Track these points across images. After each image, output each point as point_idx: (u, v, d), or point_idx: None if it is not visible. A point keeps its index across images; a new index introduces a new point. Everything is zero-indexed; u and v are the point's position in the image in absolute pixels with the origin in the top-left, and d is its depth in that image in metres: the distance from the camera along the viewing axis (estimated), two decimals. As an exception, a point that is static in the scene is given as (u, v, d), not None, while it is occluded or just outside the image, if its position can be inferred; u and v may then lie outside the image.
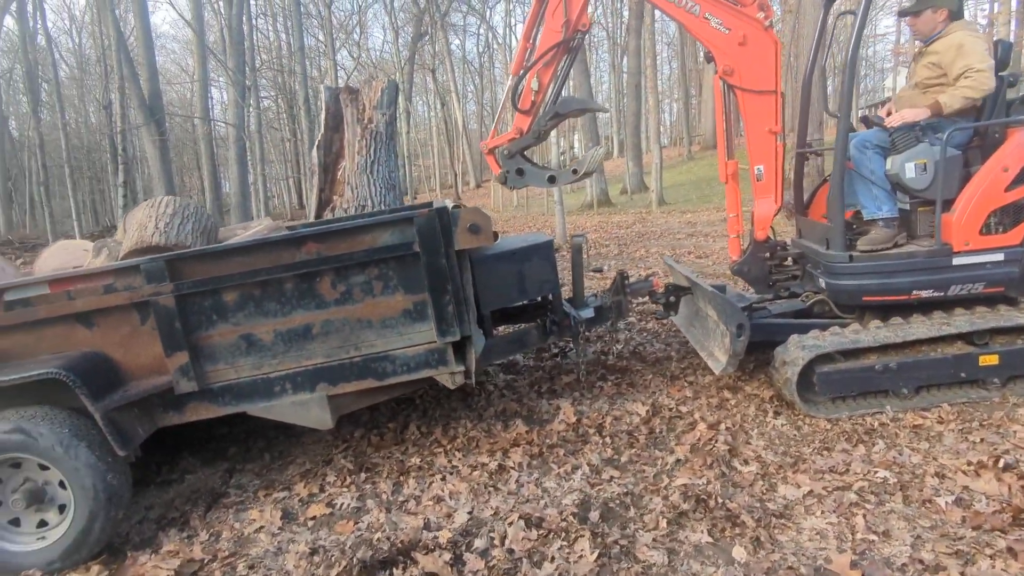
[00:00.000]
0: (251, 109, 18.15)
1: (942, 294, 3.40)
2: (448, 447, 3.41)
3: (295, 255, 2.85)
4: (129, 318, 2.83)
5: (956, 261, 3.34)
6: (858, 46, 3.62)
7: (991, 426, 3.02)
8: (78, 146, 30.76)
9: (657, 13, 28.56)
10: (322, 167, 7.17)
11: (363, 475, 3.19)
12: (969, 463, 2.68)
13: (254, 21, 26.15)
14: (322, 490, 3.10)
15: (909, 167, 3.39)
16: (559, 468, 3.07)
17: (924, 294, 3.42)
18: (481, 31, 42.56)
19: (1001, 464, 2.62)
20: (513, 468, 3.09)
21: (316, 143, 7.18)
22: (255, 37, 25.62)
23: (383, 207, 7.55)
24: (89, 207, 35.24)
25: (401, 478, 3.12)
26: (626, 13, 29.04)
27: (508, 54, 39.41)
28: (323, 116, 7.26)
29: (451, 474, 3.09)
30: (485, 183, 38.17)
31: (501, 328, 4.50)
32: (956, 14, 3.54)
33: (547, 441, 3.32)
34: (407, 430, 3.66)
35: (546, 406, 3.80)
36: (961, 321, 3.32)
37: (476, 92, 46.38)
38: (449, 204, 3.55)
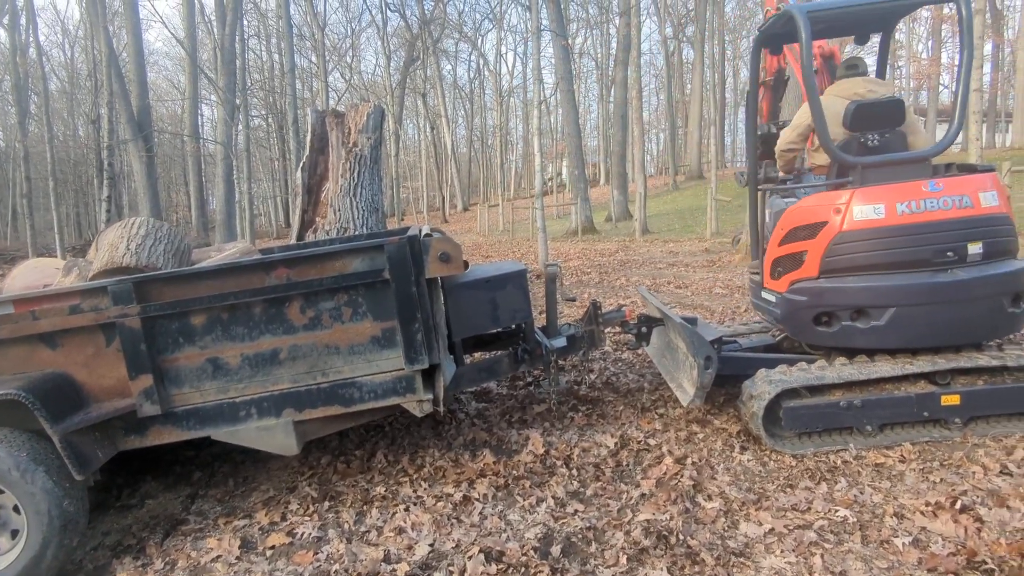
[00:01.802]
0: (240, 128, 18.16)
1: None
2: (414, 476, 3.38)
3: (265, 280, 2.85)
4: (94, 339, 2.81)
5: (763, 294, 3.99)
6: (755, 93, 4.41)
7: (951, 466, 3.06)
8: (64, 159, 30.59)
9: (645, 46, 29.09)
10: (306, 188, 7.20)
11: (326, 504, 3.15)
12: (928, 503, 2.71)
13: (247, 41, 26.36)
14: (284, 518, 3.06)
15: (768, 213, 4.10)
16: (524, 500, 3.05)
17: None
18: (472, 58, 43.25)
19: (958, 505, 2.65)
20: (478, 499, 3.07)
21: (301, 164, 7.21)
22: (247, 57, 25.80)
23: (365, 230, 7.58)
24: (73, 220, 34.93)
25: (365, 507, 3.09)
26: (614, 45, 29.64)
27: (499, 81, 40.03)
28: (309, 138, 7.32)
29: (415, 504, 3.07)
30: (472, 206, 38.38)
31: (477, 355, 4.51)
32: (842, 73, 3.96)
33: (514, 472, 3.31)
34: (374, 458, 3.63)
35: (516, 436, 3.79)
36: (924, 361, 3.38)
37: (466, 117, 46.92)
38: (426, 230, 3.58)
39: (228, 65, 18.55)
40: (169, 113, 36.30)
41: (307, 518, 3.04)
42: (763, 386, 3.40)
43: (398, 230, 4.77)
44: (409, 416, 4.03)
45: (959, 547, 2.39)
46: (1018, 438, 3.25)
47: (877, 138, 3.64)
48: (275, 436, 2.95)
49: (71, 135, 34.03)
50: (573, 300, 4.63)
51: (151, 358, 2.81)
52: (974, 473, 2.96)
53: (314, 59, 30.22)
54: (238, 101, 18.38)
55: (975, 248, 3.38)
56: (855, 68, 3.93)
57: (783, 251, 3.76)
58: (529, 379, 4.89)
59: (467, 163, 46.31)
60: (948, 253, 3.39)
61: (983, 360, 3.35)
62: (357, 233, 7.57)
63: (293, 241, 6.97)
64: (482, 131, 46.08)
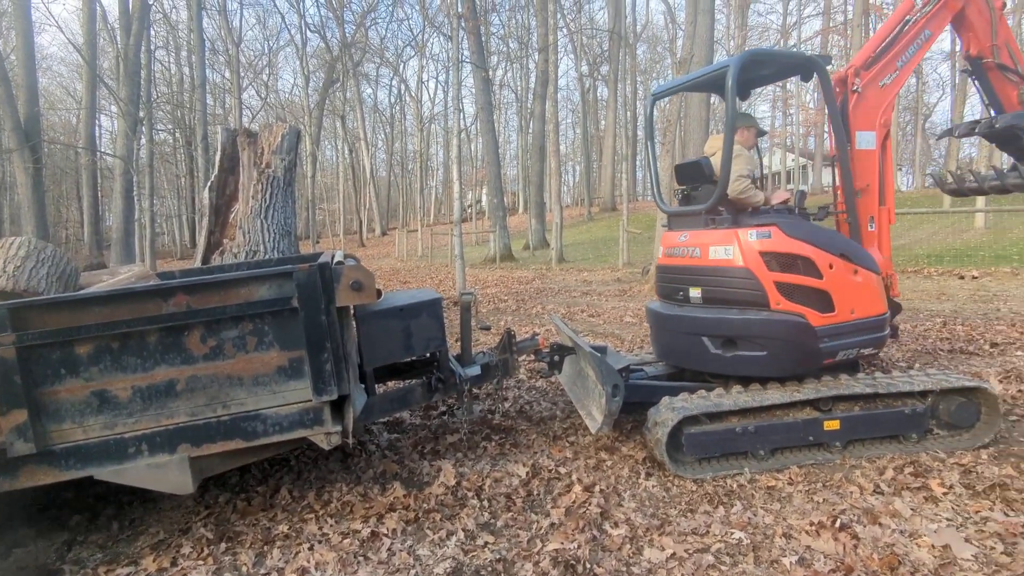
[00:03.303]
0: (143, 142, 17.14)
1: None
2: (320, 512, 3.26)
3: (161, 307, 2.70)
4: (-42, 370, 2.54)
5: None
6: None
7: (832, 487, 3.30)
8: (-66, 167, 27.67)
9: (562, 82, 30.14)
10: (213, 209, 6.90)
11: (223, 545, 2.97)
12: (812, 523, 2.90)
13: (153, 52, 25.10)
14: (174, 564, 2.86)
15: None
16: (434, 534, 3.01)
17: None
18: (394, 83, 43.21)
19: (838, 524, 2.86)
20: (386, 535, 3.00)
21: (209, 184, 6.92)
22: (154, 68, 24.54)
23: (277, 253, 7.33)
24: (-58, 234, 31.46)
25: (265, 548, 2.94)
26: (533, 79, 30.58)
27: (420, 107, 40.16)
28: (218, 157, 7.04)
29: (320, 543, 2.95)
30: (391, 231, 37.92)
31: (390, 383, 4.44)
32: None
33: (424, 505, 3.26)
34: (278, 494, 3.47)
35: (427, 467, 3.75)
36: (809, 389, 3.66)
37: (386, 141, 46.61)
38: (339, 257, 3.52)
39: (132, 76, 17.54)
40: (62, 122, 33.75)
41: (201, 562, 2.85)
42: (666, 413, 3.56)
43: (309, 256, 4.67)
44: (317, 449, 3.89)
45: (838, 563, 2.58)
46: (888, 459, 3.56)
47: (685, 192, 4.40)
48: (168, 474, 2.77)
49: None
50: (488, 328, 4.66)
51: (26, 391, 2.58)
52: (851, 493, 3.21)
53: (227, 75, 29.17)
54: (142, 114, 17.35)
55: (695, 292, 4.01)
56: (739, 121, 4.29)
57: None
58: (443, 408, 4.85)
59: (386, 187, 45.86)
60: (679, 293, 4.14)
61: (858, 388, 3.66)
62: (268, 256, 7.32)
63: (198, 263, 6.65)
64: (402, 156, 45.88)
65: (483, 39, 22.03)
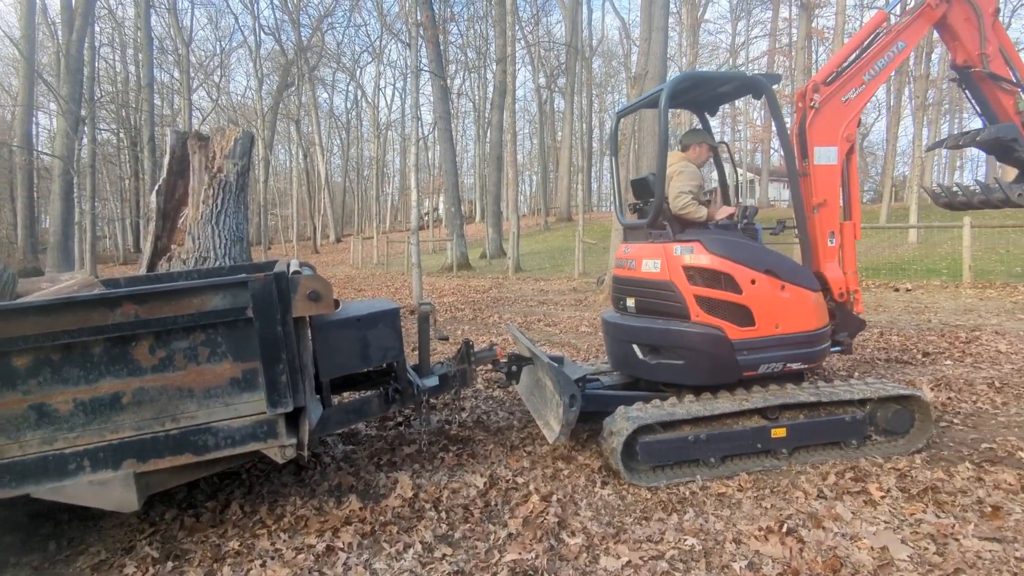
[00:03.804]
0: (85, 142, 16.42)
1: None
2: (273, 528, 3.18)
3: (108, 317, 2.60)
4: None
5: None
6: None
7: (779, 492, 3.43)
8: None
9: (520, 92, 30.44)
10: (161, 213, 6.70)
11: (170, 564, 2.87)
12: (760, 528, 3.01)
13: (98, 49, 24.12)
14: (117, 583, 2.74)
15: None
16: (391, 547, 2.98)
17: None
18: (351, 89, 42.73)
19: (785, 529, 2.97)
20: (342, 549, 2.95)
21: (157, 188, 6.72)
22: (97, 66, 23.56)
23: (228, 260, 7.15)
24: None
25: (215, 566, 2.85)
26: (491, 89, 30.76)
27: (377, 114, 39.82)
28: (167, 160, 6.84)
29: (272, 559, 2.88)
30: (346, 238, 37.34)
31: (345, 395, 4.37)
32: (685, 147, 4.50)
33: (381, 518, 3.22)
34: (228, 510, 3.37)
35: (384, 479, 3.71)
36: (757, 397, 3.79)
37: (342, 147, 45.96)
38: (295, 265, 3.46)
39: (74, 73, 16.81)
40: (-6, 118, 32.03)
41: (146, 581, 2.74)
42: (622, 423, 3.62)
43: (263, 264, 4.57)
44: (270, 462, 3.80)
45: (786, 567, 2.68)
46: (831, 464, 3.72)
47: (638, 206, 4.60)
48: (112, 491, 2.66)
49: None
50: (446, 339, 4.66)
51: (-43, 405, 2.45)
52: (797, 498, 3.34)
53: (177, 75, 28.27)
54: (84, 112, 16.63)
55: (631, 302, 4.25)
56: (689, 137, 4.44)
57: None
58: (399, 419, 4.81)
59: (341, 193, 45.21)
60: (621, 303, 4.37)
61: (803, 396, 3.82)
62: (219, 263, 7.13)
63: (144, 269, 6.43)
64: (358, 162, 45.29)
65: (441, 48, 22.05)
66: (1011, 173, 4.86)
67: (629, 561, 2.82)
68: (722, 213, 4.17)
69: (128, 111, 28.07)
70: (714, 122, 4.95)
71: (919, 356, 6.70)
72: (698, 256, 3.88)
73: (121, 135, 30.61)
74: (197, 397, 2.76)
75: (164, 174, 6.70)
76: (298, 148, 32.91)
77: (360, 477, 3.75)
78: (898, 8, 4.49)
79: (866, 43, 4.37)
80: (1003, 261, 14.60)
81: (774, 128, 4.31)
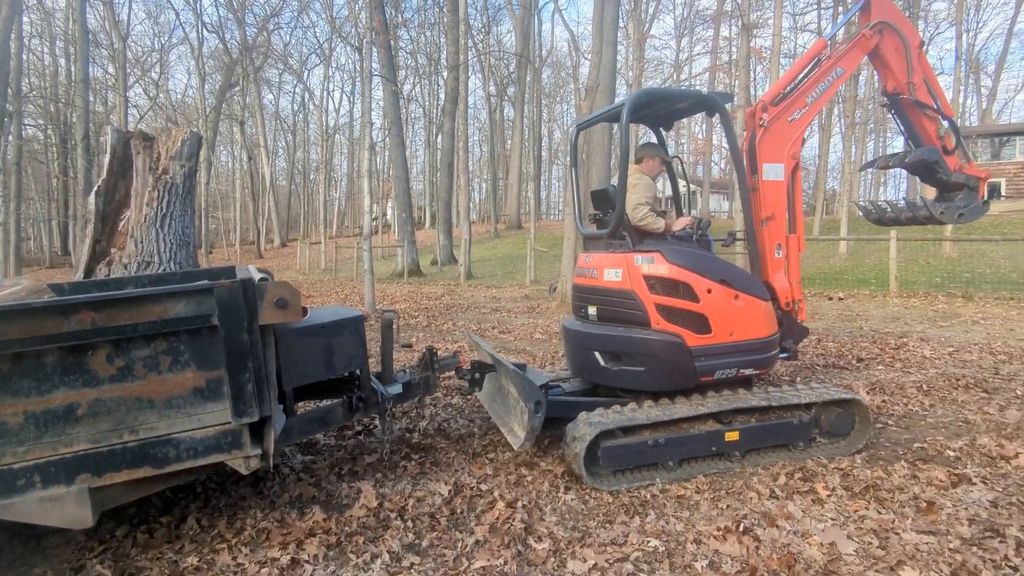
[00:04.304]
0: (10, 138, 15.47)
1: None
2: (233, 542, 3.09)
3: (62, 325, 2.48)
4: None
5: None
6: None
7: (734, 493, 3.58)
8: None
9: (470, 99, 30.57)
10: (100, 216, 6.42)
11: (124, 582, 2.75)
12: (719, 528, 3.13)
13: (26, 41, 22.75)
14: (67, 605, 2.61)
15: None
16: (358, 558, 2.95)
17: None
18: (297, 90, 41.79)
19: (741, 528, 3.10)
20: (307, 561, 2.90)
21: (96, 188, 6.44)
22: (25, 58, 22.21)
23: (173, 265, 6.91)
24: None
25: (174, 582, 2.76)
26: (442, 95, 30.72)
27: (325, 117, 39.11)
28: (107, 160, 6.57)
29: (235, 574, 2.80)
30: (291, 242, 36.40)
31: (299, 404, 4.29)
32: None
33: (346, 529, 3.19)
34: (184, 524, 3.26)
35: (346, 489, 3.66)
36: (712, 402, 3.95)
37: (288, 149, 44.84)
38: (253, 270, 3.39)
39: (1, 64, 15.83)
40: (-98, 109, 29.66)
41: (99, 601, 2.63)
42: (584, 428, 3.70)
43: (220, 270, 4.44)
44: (224, 473, 3.70)
45: (744, 565, 2.81)
46: (780, 466, 3.91)
47: (599, 216, 4.70)
48: (64, 507, 2.53)
49: None
50: (409, 347, 4.64)
51: None
52: (751, 498, 3.49)
53: (112, 70, 26.92)
54: (10, 107, 15.67)
55: (592, 310, 4.35)
56: (643, 150, 4.61)
57: None
58: (358, 428, 4.75)
59: (286, 197, 44.06)
60: (582, 310, 4.46)
61: (755, 401, 4.00)
62: (163, 268, 6.89)
63: (80, 274, 6.14)
64: (304, 165, 44.27)
65: (392, 53, 21.91)
66: (930, 192, 5.28)
67: (596, 564, 2.88)
68: (679, 224, 4.33)
69: (58, 106, 26.53)
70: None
71: (854, 362, 7.10)
72: (658, 266, 4.02)
73: (50, 131, 28.88)
74: (158, 408, 2.67)
75: (104, 175, 6.43)
76: (242, 150, 31.86)
77: (322, 488, 3.69)
78: (841, 31, 4.81)
79: (809, 68, 4.65)
80: (924, 272, 15.61)
81: (726, 144, 4.51)
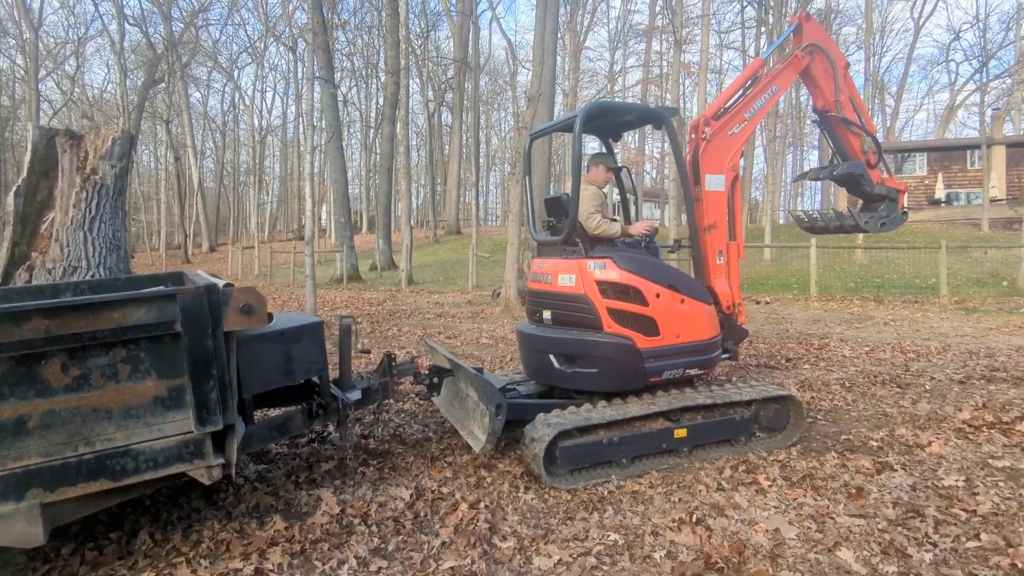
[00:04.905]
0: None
1: None
2: (191, 555, 3.01)
3: (13, 332, 2.37)
4: None
5: None
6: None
7: (685, 487, 3.78)
8: None
9: (412, 103, 30.35)
10: (20, 217, 6.07)
11: (77, 601, 2.63)
12: (673, 520, 3.31)
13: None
14: (15, 628, 2.48)
15: None
16: (324, 565, 2.94)
17: None
18: (228, 90, 40.23)
19: (694, 519, 3.29)
20: (272, 571, 2.87)
21: (15, 189, 6.08)
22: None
23: (103, 271, 6.60)
24: None
25: (131, 598, 2.66)
26: (381, 99, 30.35)
27: (260, 117, 37.86)
28: (28, 158, 6.22)
29: (198, 585, 2.74)
30: (221, 247, 34.94)
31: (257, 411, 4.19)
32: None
33: (310, 536, 3.16)
34: (135, 539, 3.14)
35: (306, 497, 3.62)
36: (662, 401, 4.15)
37: (216, 150, 43.02)
38: (204, 276, 3.32)
39: None
40: None
41: (50, 622, 2.51)
42: (543, 429, 3.81)
43: (169, 275, 4.29)
44: (175, 486, 3.57)
45: (699, 553, 2.98)
46: (725, 460, 4.14)
47: (552, 223, 4.82)
48: (14, 525, 2.40)
49: None
50: (367, 352, 4.62)
51: None
52: (701, 491, 3.70)
53: (20, 61, 25.08)
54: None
55: (547, 314, 4.50)
56: (590, 160, 4.81)
57: None
58: (312, 435, 4.69)
59: (215, 200, 42.22)
60: (537, 315, 4.60)
61: (701, 399, 4.23)
62: (92, 273, 6.58)
63: (-2, 279, 5.76)
64: (234, 167, 42.59)
65: (331, 55, 21.51)
66: (842, 201, 5.78)
67: (560, 559, 2.99)
68: (639, 228, 4.53)
69: (-44, 98, 24.49)
70: (593, 143, 5.34)
71: (783, 361, 7.56)
72: (609, 271, 4.19)
73: (-54, 125, 26.63)
74: (116, 418, 2.58)
75: (25, 174, 6.09)
76: (168, 150, 30.31)
77: (280, 496, 3.63)
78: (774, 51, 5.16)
79: (747, 85, 4.97)
80: (840, 277, 16.73)
81: (671, 155, 4.76)
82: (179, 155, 30.37)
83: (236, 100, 40.48)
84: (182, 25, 27.12)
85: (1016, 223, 20.40)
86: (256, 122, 36.30)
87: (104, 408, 2.56)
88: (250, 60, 37.05)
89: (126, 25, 24.23)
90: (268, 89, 42.96)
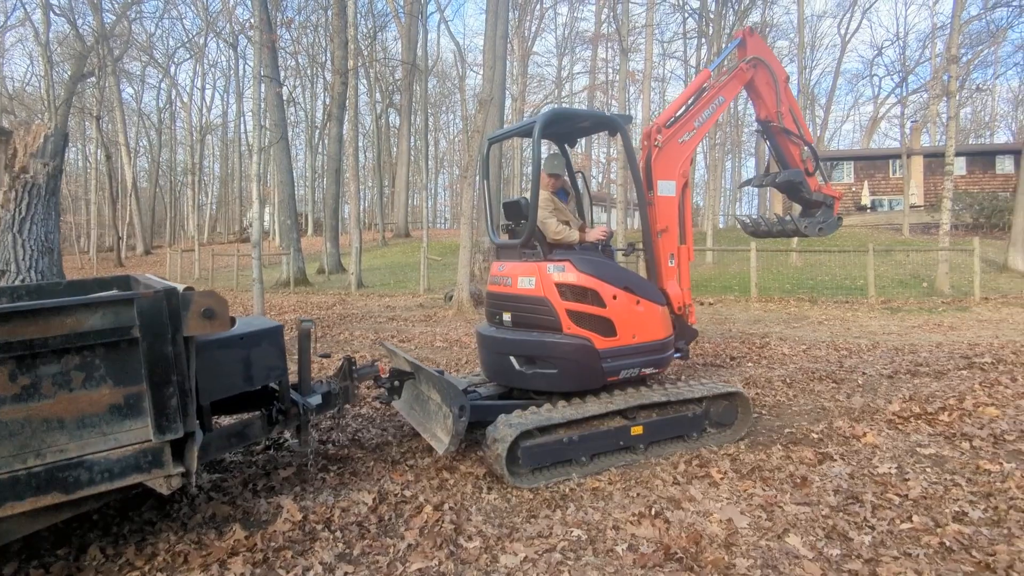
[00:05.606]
0: None
1: None
2: (146, 569, 2.92)
3: (-45, 341, 2.25)
4: None
5: None
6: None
7: (643, 482, 3.90)
8: None
9: (359, 103, 29.89)
10: (-58, 219, 5.72)
11: (26, 621, 2.52)
12: (633, 515, 3.42)
13: None
14: (-42, 652, 2.35)
15: None
16: (288, 573, 2.90)
17: None
18: (163, 86, 38.58)
19: (653, 512, 3.41)
20: (236, 579, 2.81)
21: (-64, 188, 5.71)
22: None
23: (35, 274, 6.31)
24: None
25: (85, 615, 2.56)
26: (326, 99, 29.78)
27: (199, 115, 36.44)
28: (-48, 157, 5.85)
29: (158, 598, 2.66)
30: (156, 249, 33.44)
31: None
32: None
33: (272, 544, 3.11)
34: (84, 555, 3.01)
35: (265, 505, 3.55)
36: (619, 400, 4.27)
37: (151, 149, 41.15)
38: (154, 279, 3.23)
39: None
40: None
41: (-3, 644, 2.39)
42: (504, 430, 3.87)
43: (115, 279, 4.13)
44: (125, 498, 3.44)
45: (659, 544, 3.10)
46: (679, 455, 4.30)
47: (511, 226, 4.89)
48: (-43, 542, 2.29)
49: None
50: (327, 356, 4.56)
51: None
52: (658, 486, 3.83)
53: (-69, 50, 23.30)
54: None
55: (507, 316, 4.57)
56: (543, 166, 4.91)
57: None
58: (268, 442, 4.59)
59: (150, 200, 40.36)
60: (497, 317, 4.65)
61: (656, 397, 4.38)
62: (22, 277, 6.28)
63: (-80, 285, 5.42)
64: (171, 167, 40.82)
65: (277, 53, 20.97)
66: (778, 205, 6.11)
67: (526, 556, 3.05)
68: (595, 234, 4.65)
69: None
70: (544, 149, 5.44)
71: (728, 360, 7.87)
72: (568, 274, 4.29)
73: None
74: (68, 428, 2.48)
75: (-51, 173, 5.73)
76: (98, 148, 28.74)
77: (237, 505, 3.55)
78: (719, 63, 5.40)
79: (695, 95, 5.18)
80: (777, 279, 17.47)
81: (626, 161, 4.90)
82: (111, 153, 28.91)
83: (173, 97, 38.92)
84: (113, 17, 25.84)
85: (933, 227, 21.85)
86: (195, 120, 34.94)
87: (56, 418, 2.46)
88: (188, 56, 35.70)
89: (51, 15, 22.95)
90: (208, 86, 41.40)
